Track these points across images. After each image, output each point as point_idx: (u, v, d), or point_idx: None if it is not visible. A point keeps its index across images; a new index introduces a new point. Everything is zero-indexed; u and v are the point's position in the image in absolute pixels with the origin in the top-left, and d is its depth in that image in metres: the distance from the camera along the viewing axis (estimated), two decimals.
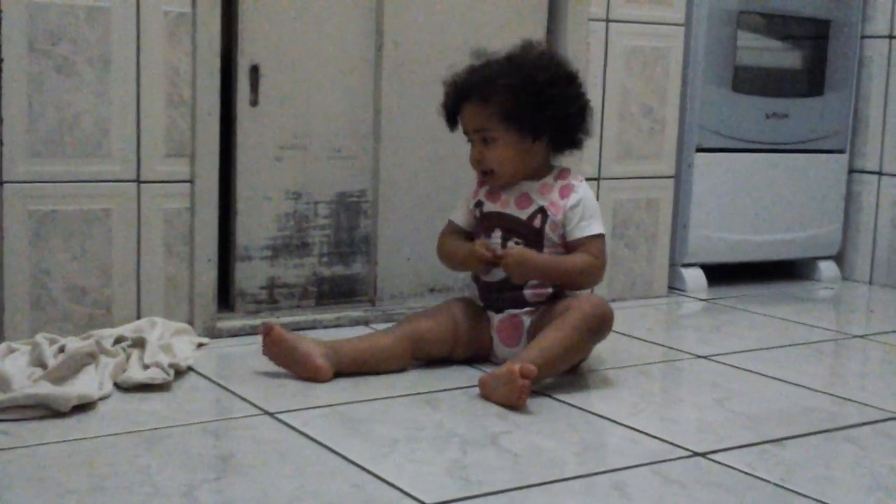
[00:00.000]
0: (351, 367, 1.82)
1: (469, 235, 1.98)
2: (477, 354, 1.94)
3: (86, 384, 1.63)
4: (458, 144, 2.28)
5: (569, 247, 1.90)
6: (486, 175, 1.92)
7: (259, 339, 1.85)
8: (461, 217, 2.00)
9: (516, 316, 1.91)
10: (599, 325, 1.82)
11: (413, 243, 2.29)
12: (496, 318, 1.92)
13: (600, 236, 1.90)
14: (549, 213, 1.89)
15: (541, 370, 1.70)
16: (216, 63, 2.02)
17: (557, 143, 1.93)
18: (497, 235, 1.91)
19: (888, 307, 2.68)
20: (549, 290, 1.89)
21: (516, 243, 1.89)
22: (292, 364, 1.80)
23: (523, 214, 1.90)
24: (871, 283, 2.95)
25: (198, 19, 1.98)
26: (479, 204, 1.96)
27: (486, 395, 1.72)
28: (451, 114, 1.93)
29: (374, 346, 1.86)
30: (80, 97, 1.91)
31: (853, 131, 2.95)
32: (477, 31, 2.30)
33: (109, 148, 1.94)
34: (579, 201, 1.89)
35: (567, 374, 1.85)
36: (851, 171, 2.97)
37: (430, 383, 1.81)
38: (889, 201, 2.90)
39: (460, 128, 1.95)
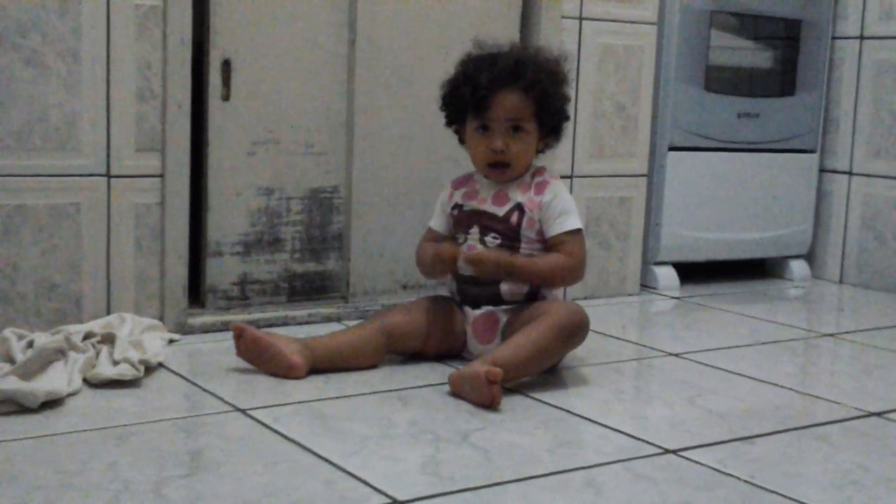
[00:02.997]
0: (325, 363, 1.81)
1: (450, 241, 1.97)
2: (450, 350, 1.94)
3: (55, 380, 1.62)
4: (431, 140, 2.28)
5: (548, 244, 1.90)
6: (497, 167, 1.90)
7: (231, 334, 1.84)
8: (439, 222, 1.99)
9: (493, 313, 1.90)
10: (574, 331, 1.81)
11: (386, 239, 2.28)
12: (472, 314, 1.92)
13: (578, 232, 1.90)
14: (525, 209, 1.89)
15: (509, 372, 1.70)
16: (187, 57, 2.00)
17: (550, 143, 1.96)
18: (475, 231, 1.91)
19: (858, 306, 2.70)
20: (525, 288, 1.89)
21: (493, 238, 1.89)
22: (267, 363, 1.78)
23: (500, 211, 1.90)
24: (841, 282, 2.97)
25: (169, 12, 1.97)
26: (456, 206, 1.95)
27: (457, 392, 1.72)
28: (482, 97, 1.86)
29: (348, 342, 1.85)
30: (50, 90, 1.89)
31: (824, 131, 2.97)
32: (450, 27, 2.30)
33: (79, 142, 1.93)
34: (554, 197, 1.89)
35: (541, 372, 1.85)
36: (822, 170, 2.99)
37: (402, 380, 1.81)
38: (859, 201, 2.92)
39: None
